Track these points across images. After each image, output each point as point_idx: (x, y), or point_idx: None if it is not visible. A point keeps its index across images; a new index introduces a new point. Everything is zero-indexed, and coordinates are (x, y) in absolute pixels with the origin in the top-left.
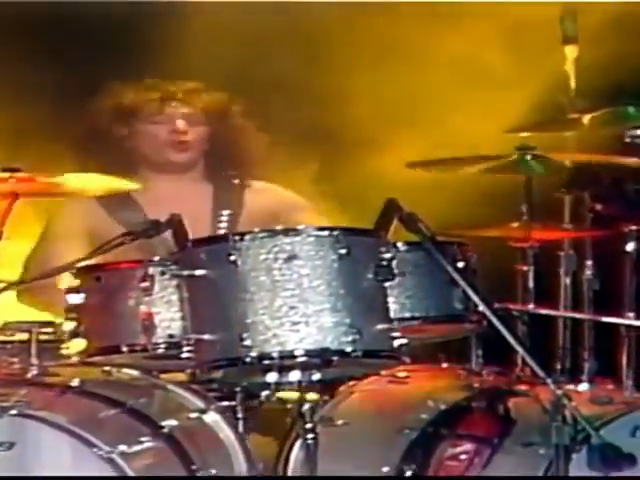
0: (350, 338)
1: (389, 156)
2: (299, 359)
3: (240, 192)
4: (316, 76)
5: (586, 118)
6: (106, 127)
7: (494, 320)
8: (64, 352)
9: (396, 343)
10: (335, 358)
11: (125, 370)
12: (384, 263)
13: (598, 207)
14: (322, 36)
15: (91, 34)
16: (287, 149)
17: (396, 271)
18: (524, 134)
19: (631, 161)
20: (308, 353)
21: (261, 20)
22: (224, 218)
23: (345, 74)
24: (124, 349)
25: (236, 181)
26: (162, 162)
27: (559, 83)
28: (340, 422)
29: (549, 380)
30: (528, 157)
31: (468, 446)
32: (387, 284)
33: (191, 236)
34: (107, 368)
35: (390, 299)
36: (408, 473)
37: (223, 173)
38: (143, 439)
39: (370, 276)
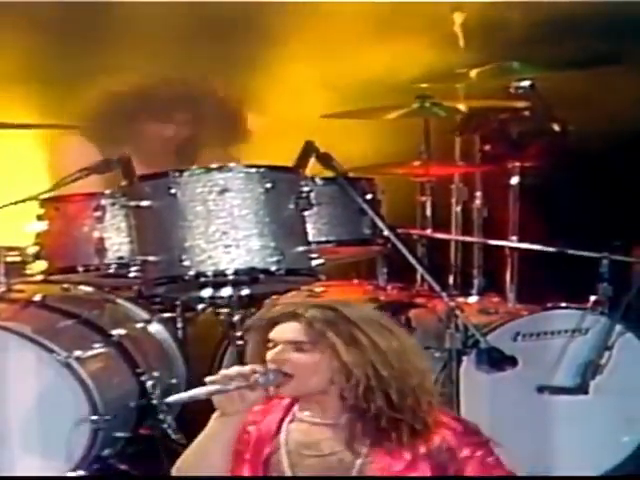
0: (274, 259)
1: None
2: (230, 277)
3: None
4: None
5: (473, 72)
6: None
7: (397, 243)
8: (28, 272)
9: (314, 263)
10: (261, 276)
11: (81, 287)
12: (303, 195)
13: (486, 147)
14: None
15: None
16: None
17: (314, 202)
18: (423, 85)
19: (514, 104)
20: (238, 272)
21: None
22: None
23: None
24: (80, 269)
25: None
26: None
27: (450, 43)
28: None
29: (444, 294)
30: (427, 104)
31: None
32: (306, 213)
33: None
34: (65, 285)
35: (308, 225)
36: None
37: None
38: (95, 345)
39: (292, 206)
